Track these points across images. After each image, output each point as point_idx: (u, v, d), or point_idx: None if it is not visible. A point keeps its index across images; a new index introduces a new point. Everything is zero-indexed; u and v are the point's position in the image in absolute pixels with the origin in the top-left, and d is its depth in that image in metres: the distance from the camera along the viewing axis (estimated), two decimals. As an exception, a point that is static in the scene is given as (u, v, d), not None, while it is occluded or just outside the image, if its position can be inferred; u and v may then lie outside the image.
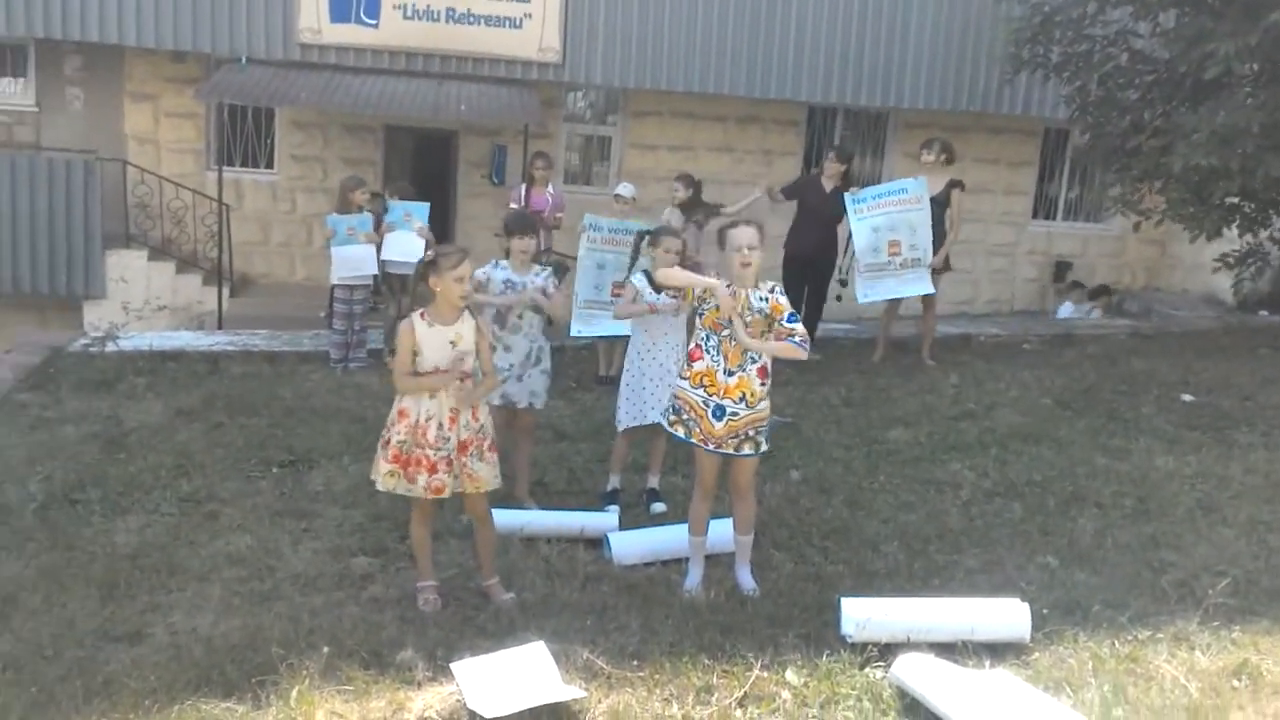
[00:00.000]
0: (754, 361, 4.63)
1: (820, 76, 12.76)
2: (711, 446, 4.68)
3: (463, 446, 4.49)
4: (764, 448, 4.79)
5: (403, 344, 4.45)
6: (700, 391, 4.66)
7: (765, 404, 4.72)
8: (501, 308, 5.64)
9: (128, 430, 7.00)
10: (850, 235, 9.05)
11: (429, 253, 4.56)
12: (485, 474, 4.58)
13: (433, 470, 4.43)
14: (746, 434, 4.67)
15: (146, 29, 11.85)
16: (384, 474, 4.48)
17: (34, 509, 5.60)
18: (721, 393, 4.62)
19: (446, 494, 4.50)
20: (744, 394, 4.63)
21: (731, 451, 4.69)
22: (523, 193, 9.75)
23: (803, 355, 4.63)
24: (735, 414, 4.63)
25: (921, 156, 9.29)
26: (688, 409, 4.70)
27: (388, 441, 4.48)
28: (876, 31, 12.74)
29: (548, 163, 9.95)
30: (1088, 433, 7.27)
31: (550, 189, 9.88)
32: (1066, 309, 13.28)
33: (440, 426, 4.43)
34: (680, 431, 4.74)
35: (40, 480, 5.98)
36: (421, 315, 4.47)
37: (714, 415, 4.64)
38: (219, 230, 12.26)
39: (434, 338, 4.44)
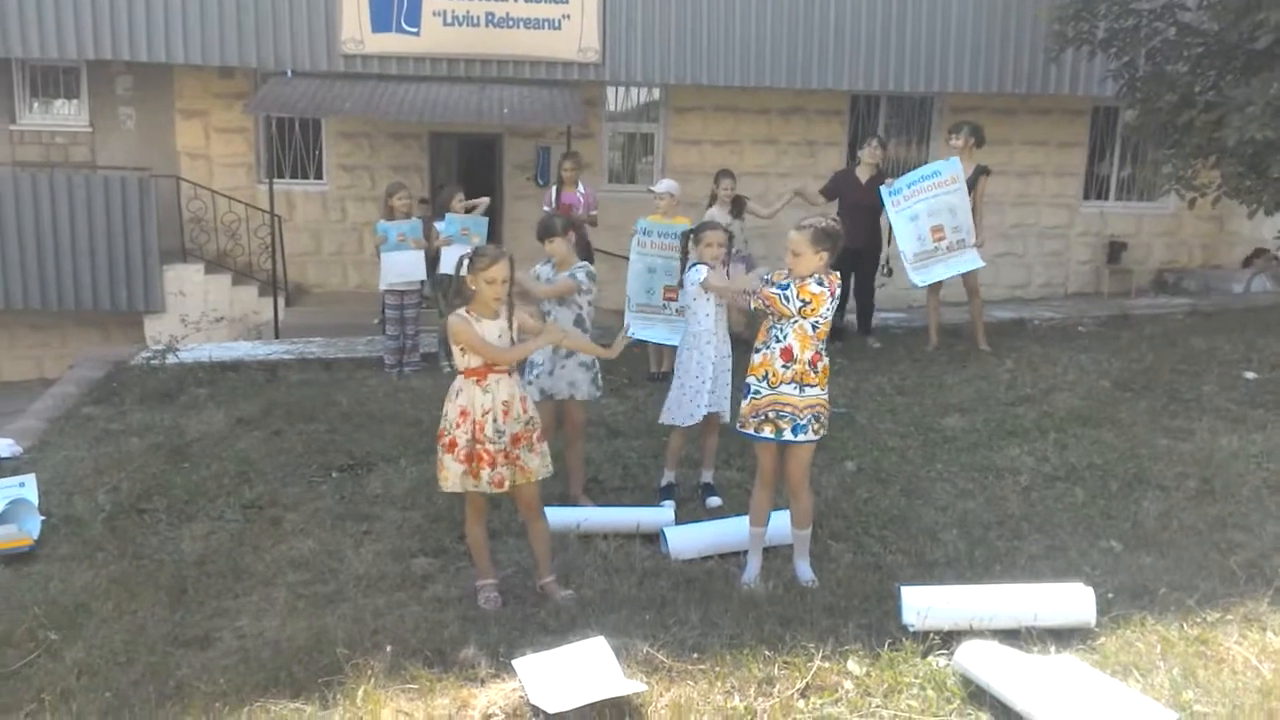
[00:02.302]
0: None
1: (862, 64, 12.67)
2: (799, 436, 4.68)
3: (515, 440, 4.54)
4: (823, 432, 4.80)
5: (468, 335, 4.46)
6: (794, 386, 4.63)
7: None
8: (548, 296, 5.78)
9: (190, 440, 7.13)
10: (891, 227, 9.04)
11: (468, 251, 4.61)
12: (535, 465, 4.62)
13: (493, 464, 4.49)
14: (816, 415, 4.69)
15: (194, 47, 12.06)
16: (458, 475, 4.51)
17: (103, 519, 5.72)
18: (804, 377, 4.65)
19: (507, 487, 4.55)
20: (826, 376, 4.72)
21: (813, 436, 4.69)
22: (553, 195, 9.87)
23: (744, 305, 4.78)
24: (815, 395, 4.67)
25: (950, 140, 9.26)
26: (792, 410, 4.65)
27: (453, 444, 4.50)
28: (918, 16, 12.61)
29: (576, 163, 10.03)
30: (1148, 414, 7.16)
31: (581, 188, 9.93)
32: (1259, 282, 13.06)
33: (495, 420, 4.49)
34: (768, 431, 4.68)
35: (108, 491, 6.11)
36: (467, 311, 4.53)
37: (799, 393, 4.65)
38: (272, 241, 12.46)
39: (483, 332, 4.50)
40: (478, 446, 4.48)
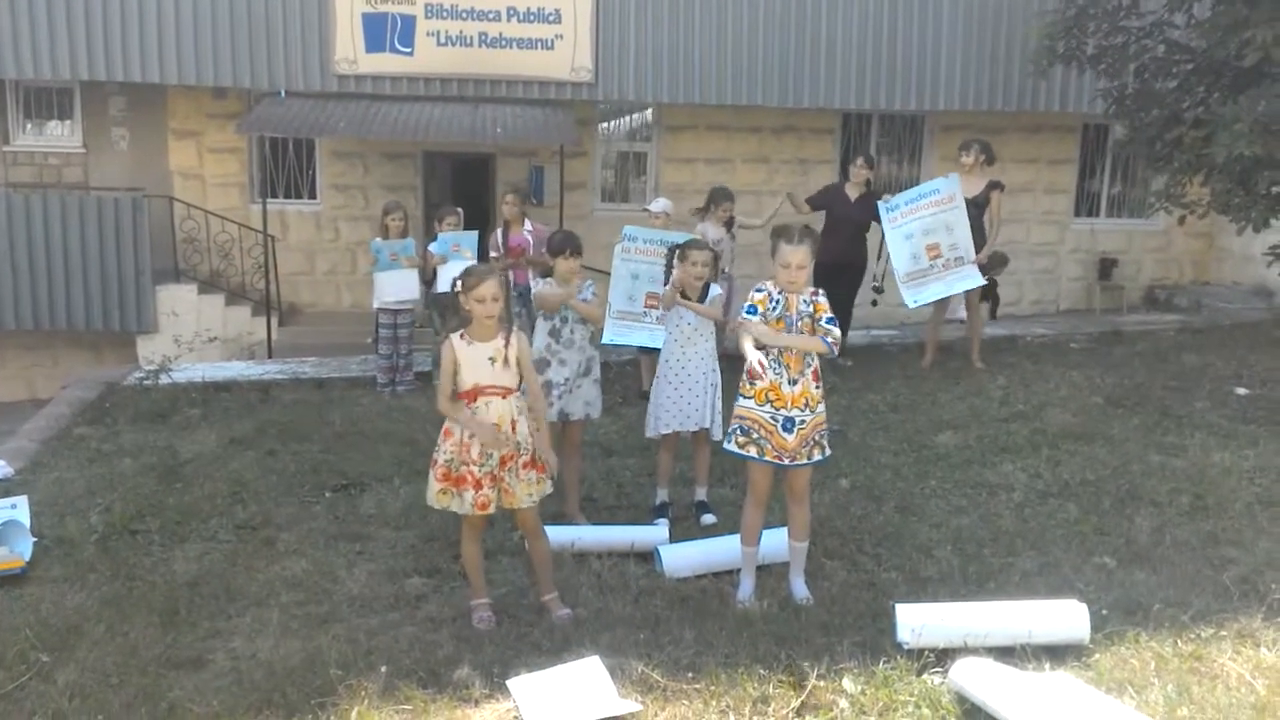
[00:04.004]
0: (809, 366, 4.65)
1: (853, 83, 12.74)
2: (787, 460, 4.66)
3: (502, 462, 4.53)
4: (828, 452, 4.79)
5: (444, 365, 4.54)
6: (767, 408, 4.64)
7: (822, 406, 4.74)
8: (550, 303, 5.71)
9: (183, 460, 7.12)
10: (884, 242, 9.05)
11: (459, 274, 4.62)
12: (520, 490, 4.57)
13: (478, 486, 4.48)
14: (813, 439, 4.69)
15: (187, 67, 12.10)
16: (436, 492, 4.56)
17: (95, 540, 5.70)
18: (788, 404, 4.62)
19: (491, 510, 4.55)
20: (806, 400, 4.64)
21: (805, 461, 4.69)
22: (500, 237, 9.20)
23: (825, 350, 4.62)
24: (803, 422, 4.63)
25: (960, 158, 9.24)
26: (756, 428, 4.66)
27: (436, 461, 4.55)
28: (908, 35, 12.70)
29: (517, 198, 9.24)
30: (1141, 430, 7.18)
31: (528, 225, 9.21)
32: None
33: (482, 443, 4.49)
34: (753, 452, 4.68)
35: (100, 512, 6.09)
36: (462, 335, 4.54)
37: (784, 429, 4.62)
38: (265, 261, 12.47)
39: (473, 355, 4.51)
40: (464, 468, 4.48)
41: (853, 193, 9.40)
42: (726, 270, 8.93)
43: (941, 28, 12.73)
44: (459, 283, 4.53)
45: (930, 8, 12.67)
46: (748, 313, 4.70)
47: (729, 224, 9.16)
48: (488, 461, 4.49)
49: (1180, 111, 9.71)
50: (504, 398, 4.54)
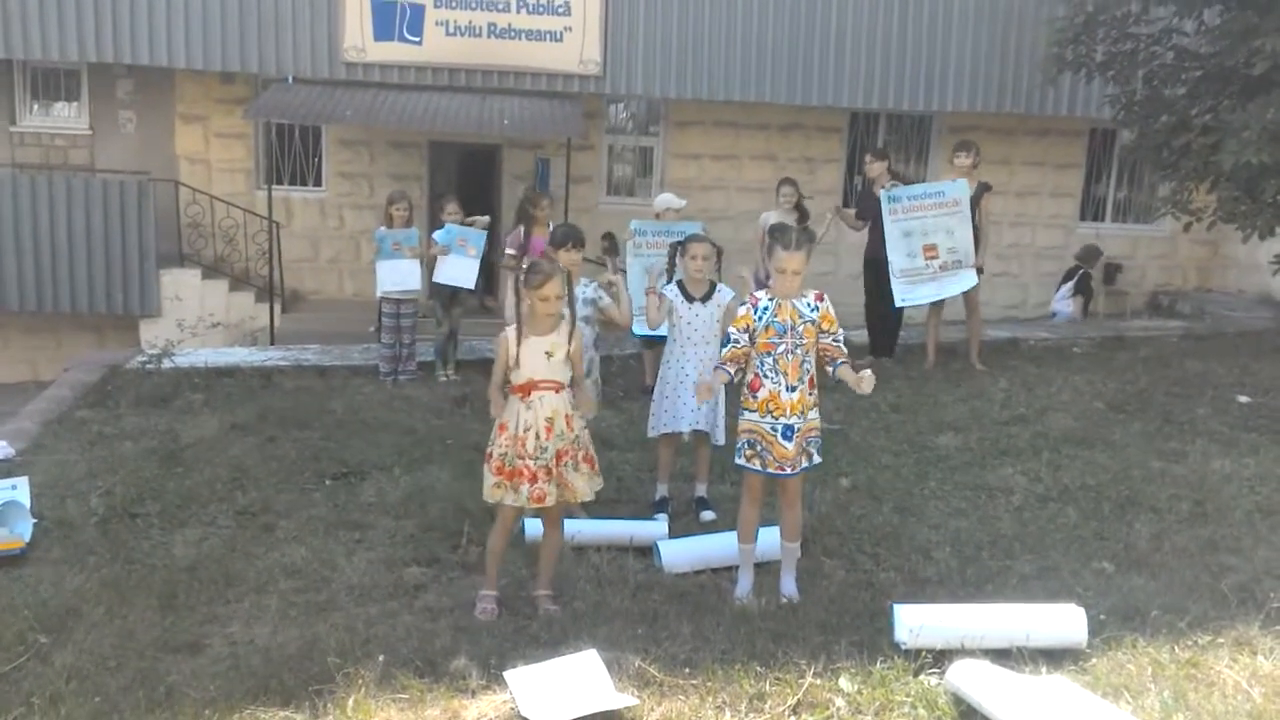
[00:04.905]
0: (806, 373, 4.65)
1: (862, 82, 12.73)
2: (788, 469, 4.67)
3: (559, 456, 4.55)
4: (816, 459, 4.79)
5: (499, 356, 4.57)
6: (768, 419, 4.64)
7: (815, 412, 4.73)
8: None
9: (184, 445, 7.11)
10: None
11: (524, 266, 4.65)
12: (580, 484, 4.63)
13: (533, 480, 4.50)
14: (804, 446, 4.69)
15: (195, 51, 12.10)
16: (490, 486, 4.58)
17: (95, 523, 5.70)
18: (786, 411, 4.62)
19: (549, 502, 4.56)
20: (803, 407, 4.64)
21: (804, 466, 4.71)
22: (522, 235, 8.82)
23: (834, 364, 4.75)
24: (799, 429, 4.64)
25: (957, 160, 9.20)
26: (761, 440, 4.67)
27: (490, 455, 4.56)
28: (918, 35, 12.68)
29: (550, 201, 9.30)
30: (1142, 436, 7.18)
31: (551, 227, 8.85)
32: None
33: (537, 437, 4.50)
34: (757, 464, 4.69)
35: (100, 495, 6.09)
36: (518, 329, 4.55)
37: (783, 437, 4.63)
38: (270, 248, 12.47)
39: (530, 348, 4.52)
40: (519, 462, 4.49)
41: (877, 190, 9.39)
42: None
43: (951, 28, 12.71)
44: (522, 279, 4.52)
45: (940, 8, 12.66)
46: (726, 340, 4.75)
47: (799, 208, 9.24)
48: (542, 455, 4.50)
49: (1189, 118, 9.71)
50: (557, 392, 4.55)
